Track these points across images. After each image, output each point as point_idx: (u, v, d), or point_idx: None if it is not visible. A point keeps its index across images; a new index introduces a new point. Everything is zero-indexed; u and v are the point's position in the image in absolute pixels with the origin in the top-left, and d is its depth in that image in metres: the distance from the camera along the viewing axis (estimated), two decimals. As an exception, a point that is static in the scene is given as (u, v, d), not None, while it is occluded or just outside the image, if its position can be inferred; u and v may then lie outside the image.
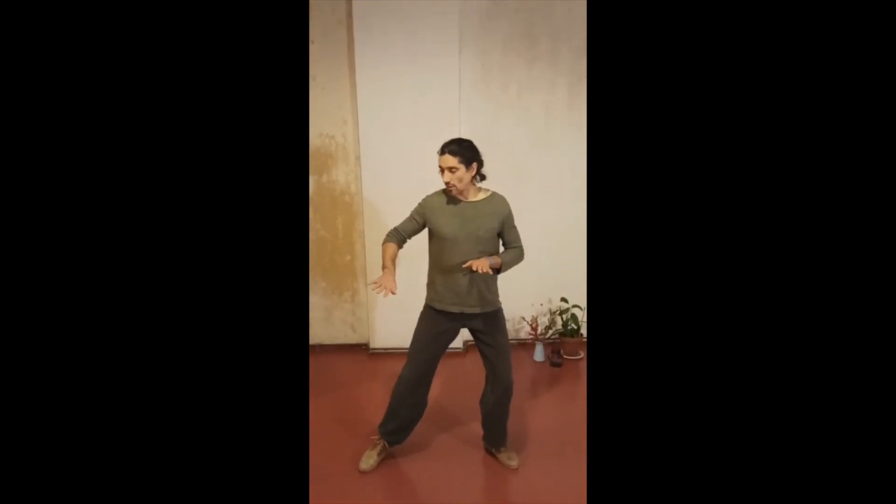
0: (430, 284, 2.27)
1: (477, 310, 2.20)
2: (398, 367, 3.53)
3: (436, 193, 2.25)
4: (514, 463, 2.38)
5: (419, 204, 2.25)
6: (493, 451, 2.43)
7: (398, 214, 3.49)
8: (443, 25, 3.19)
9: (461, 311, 2.20)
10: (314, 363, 3.56)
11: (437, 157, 2.10)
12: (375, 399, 3.05)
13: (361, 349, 3.75)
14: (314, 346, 3.81)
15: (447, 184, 2.11)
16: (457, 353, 3.65)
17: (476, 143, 3.47)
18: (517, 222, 2.13)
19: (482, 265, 1.98)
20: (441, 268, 2.20)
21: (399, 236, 2.27)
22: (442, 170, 2.10)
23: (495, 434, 2.41)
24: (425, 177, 3.39)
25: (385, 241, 2.25)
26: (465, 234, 2.15)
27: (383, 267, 2.15)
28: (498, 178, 3.61)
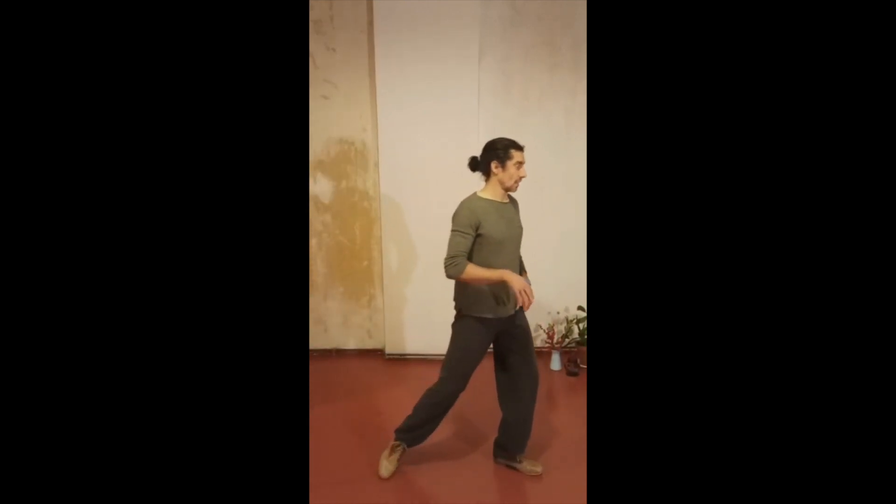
0: (475, 293, 2.16)
1: (511, 311, 2.21)
2: (413, 372, 3.56)
3: (475, 198, 2.17)
4: (538, 469, 2.36)
5: (463, 215, 2.11)
6: (512, 461, 2.41)
7: (416, 220, 3.54)
8: (463, 33, 3.22)
9: (503, 315, 2.19)
10: (330, 368, 3.58)
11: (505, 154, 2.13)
12: (390, 405, 3.06)
13: (377, 354, 3.77)
14: (331, 350, 3.83)
15: (520, 179, 2.16)
16: (473, 361, 3.64)
17: (494, 136, 3.50)
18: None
19: (531, 296, 2.02)
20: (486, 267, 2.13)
21: (467, 258, 2.12)
22: (520, 164, 2.14)
23: (515, 442, 2.39)
24: (443, 183, 3.41)
25: (467, 267, 2.07)
26: (510, 235, 2.17)
27: (501, 279, 2.05)
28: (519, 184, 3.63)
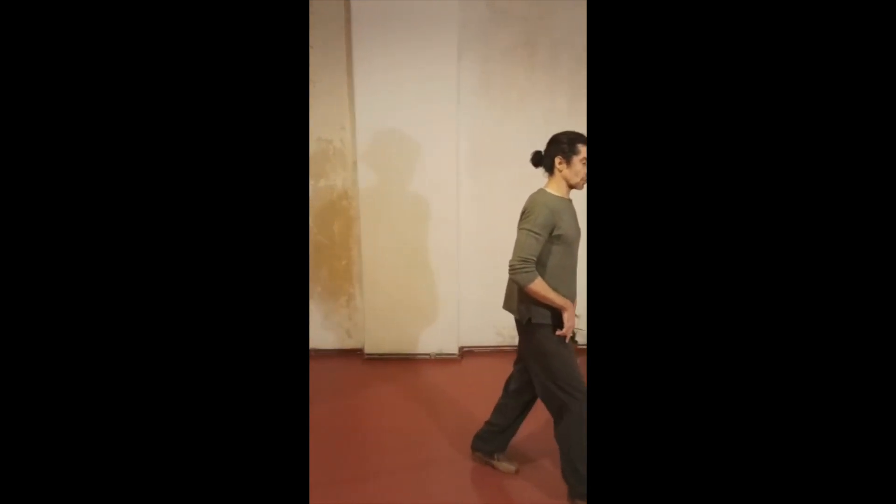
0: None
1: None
2: (393, 372, 3.54)
3: (548, 196, 1.99)
4: (513, 468, 2.37)
5: (542, 214, 1.91)
6: (489, 458, 2.42)
7: (395, 219, 3.53)
8: (441, 32, 3.22)
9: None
10: (311, 367, 3.54)
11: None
12: (371, 405, 3.04)
13: (356, 354, 3.74)
14: (309, 350, 3.80)
15: (582, 179, 1.99)
16: (452, 360, 3.64)
17: (475, 150, 3.52)
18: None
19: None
20: (563, 274, 2.00)
21: (535, 266, 1.94)
22: (586, 161, 1.96)
23: (500, 442, 2.39)
24: (422, 181, 3.41)
25: (535, 279, 1.90)
26: (578, 235, 2.03)
27: (563, 308, 1.93)
28: (499, 185, 3.64)
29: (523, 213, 1.99)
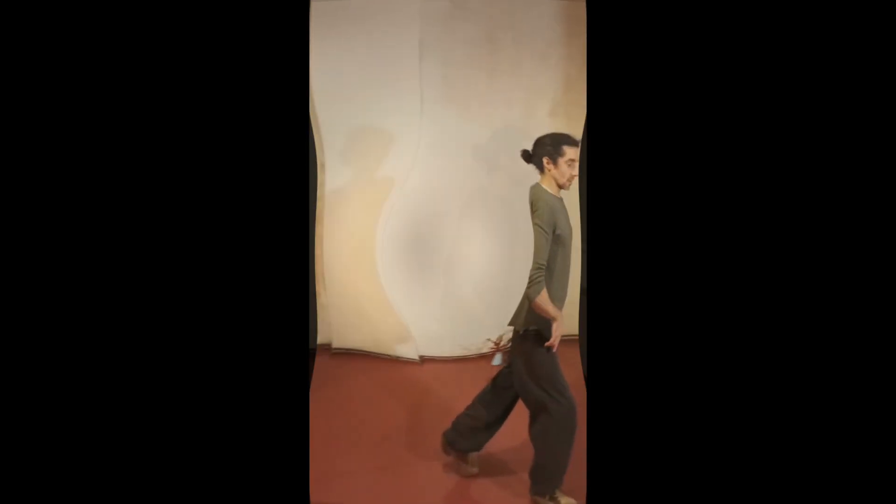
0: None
1: None
2: (356, 371, 3.46)
3: (544, 191, 1.98)
4: (475, 469, 2.33)
5: (546, 211, 1.89)
6: (462, 457, 2.36)
7: (359, 218, 3.47)
8: (403, 32, 3.22)
9: None
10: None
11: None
12: (330, 405, 2.99)
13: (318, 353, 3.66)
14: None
15: (572, 178, 1.98)
16: (412, 363, 3.61)
17: (437, 149, 3.49)
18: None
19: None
20: (563, 278, 1.97)
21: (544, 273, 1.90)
22: (572, 162, 1.95)
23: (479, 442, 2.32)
24: (385, 182, 3.37)
25: (542, 290, 1.87)
26: (571, 232, 2.01)
27: (554, 319, 1.90)
28: (465, 187, 3.61)
29: (532, 204, 1.97)
